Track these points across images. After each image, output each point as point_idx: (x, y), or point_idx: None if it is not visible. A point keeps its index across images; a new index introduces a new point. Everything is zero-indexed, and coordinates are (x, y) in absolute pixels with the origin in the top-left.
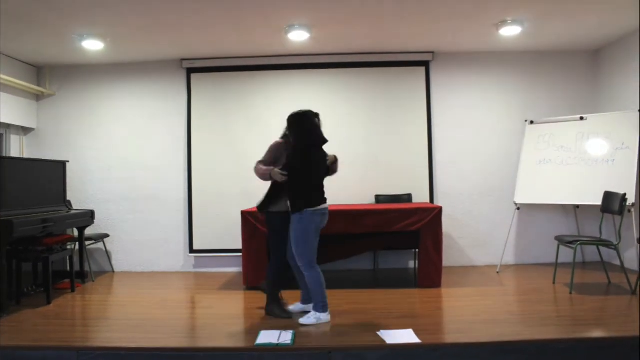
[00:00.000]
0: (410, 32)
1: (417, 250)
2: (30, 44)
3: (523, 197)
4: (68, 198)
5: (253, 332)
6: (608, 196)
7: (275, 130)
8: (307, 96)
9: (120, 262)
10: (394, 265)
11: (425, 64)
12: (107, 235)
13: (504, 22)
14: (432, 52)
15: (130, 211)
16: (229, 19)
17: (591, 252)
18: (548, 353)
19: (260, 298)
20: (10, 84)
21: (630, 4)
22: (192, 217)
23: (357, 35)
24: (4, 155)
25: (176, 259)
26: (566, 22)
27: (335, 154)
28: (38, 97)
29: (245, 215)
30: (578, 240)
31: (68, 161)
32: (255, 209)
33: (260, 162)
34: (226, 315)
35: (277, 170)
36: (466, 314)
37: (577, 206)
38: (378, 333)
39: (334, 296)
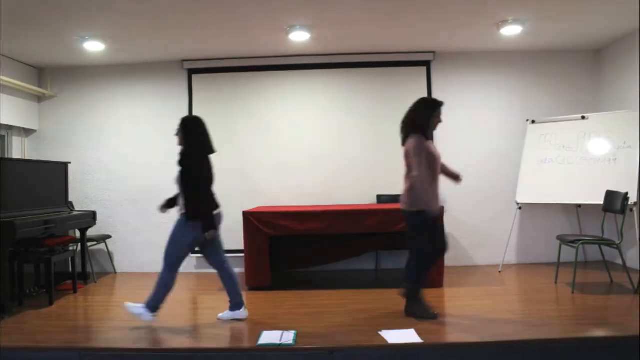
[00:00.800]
0: (411, 32)
1: None
2: (31, 45)
3: (525, 196)
4: (70, 199)
5: (255, 333)
6: (610, 195)
7: (276, 130)
8: (308, 96)
9: (122, 263)
10: (396, 265)
11: (426, 64)
12: (109, 237)
13: (504, 22)
14: (433, 52)
15: (132, 212)
16: (229, 20)
17: (593, 252)
18: (550, 353)
19: (261, 298)
20: (11, 85)
21: (631, 3)
22: None
23: (357, 36)
24: (6, 156)
25: None
26: (567, 22)
27: None
28: (39, 98)
29: (247, 215)
30: (580, 240)
31: (70, 162)
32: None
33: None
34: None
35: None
36: (468, 313)
37: (579, 205)
38: (380, 333)
39: (336, 296)
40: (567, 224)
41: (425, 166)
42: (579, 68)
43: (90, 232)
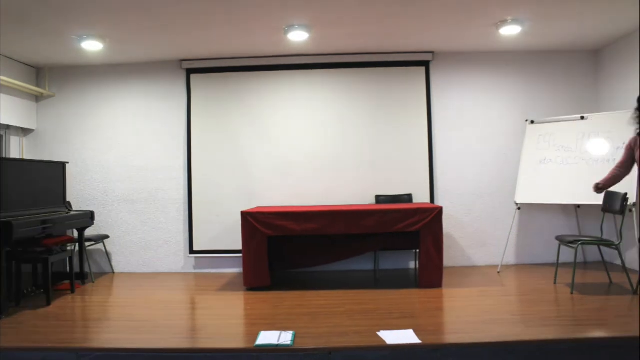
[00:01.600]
0: (410, 32)
1: (417, 250)
2: (30, 44)
3: (524, 197)
4: (68, 199)
5: (253, 333)
6: (609, 196)
7: (274, 130)
8: (306, 96)
9: (120, 263)
10: (394, 265)
11: (426, 64)
12: (107, 237)
13: (504, 22)
14: (432, 52)
15: (130, 212)
16: (228, 20)
17: (592, 252)
18: (549, 353)
19: (259, 299)
20: (9, 85)
21: (631, 4)
22: (192, 218)
23: (356, 36)
24: (4, 156)
25: (176, 260)
26: (566, 22)
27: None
28: (37, 98)
29: (246, 215)
30: (579, 240)
31: (68, 162)
32: None
33: None
34: (226, 316)
35: None
36: (467, 314)
37: (578, 206)
38: (378, 333)
39: (334, 296)
40: (566, 224)
41: None
42: (578, 68)
43: (88, 232)
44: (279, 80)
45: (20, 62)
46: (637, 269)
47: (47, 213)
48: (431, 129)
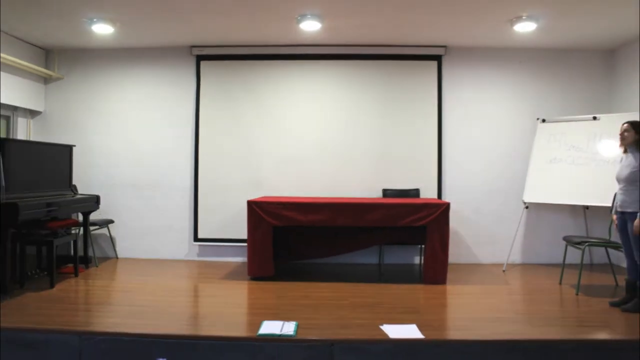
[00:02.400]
0: (424, 25)
1: (423, 246)
2: (39, 26)
3: (532, 196)
4: (74, 182)
5: (256, 322)
6: None
7: (283, 120)
8: (317, 87)
9: (124, 249)
10: (399, 260)
11: (438, 58)
12: (111, 221)
13: (518, 18)
14: (445, 47)
15: (135, 197)
16: (240, 7)
17: (599, 254)
18: (552, 353)
19: (263, 288)
20: (18, 66)
21: None
22: (198, 205)
23: (369, 27)
24: (11, 137)
25: (180, 247)
26: (582, 20)
27: None
28: (46, 80)
29: (252, 205)
30: (586, 242)
31: (74, 145)
32: None
33: None
34: (229, 305)
35: None
36: (471, 311)
37: (587, 207)
38: (381, 327)
39: (338, 289)
40: (573, 225)
41: None
42: (593, 68)
43: (93, 216)
44: (289, 69)
45: (30, 44)
46: None
47: (52, 196)
48: (441, 124)
